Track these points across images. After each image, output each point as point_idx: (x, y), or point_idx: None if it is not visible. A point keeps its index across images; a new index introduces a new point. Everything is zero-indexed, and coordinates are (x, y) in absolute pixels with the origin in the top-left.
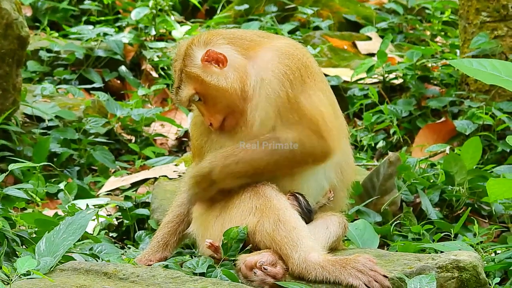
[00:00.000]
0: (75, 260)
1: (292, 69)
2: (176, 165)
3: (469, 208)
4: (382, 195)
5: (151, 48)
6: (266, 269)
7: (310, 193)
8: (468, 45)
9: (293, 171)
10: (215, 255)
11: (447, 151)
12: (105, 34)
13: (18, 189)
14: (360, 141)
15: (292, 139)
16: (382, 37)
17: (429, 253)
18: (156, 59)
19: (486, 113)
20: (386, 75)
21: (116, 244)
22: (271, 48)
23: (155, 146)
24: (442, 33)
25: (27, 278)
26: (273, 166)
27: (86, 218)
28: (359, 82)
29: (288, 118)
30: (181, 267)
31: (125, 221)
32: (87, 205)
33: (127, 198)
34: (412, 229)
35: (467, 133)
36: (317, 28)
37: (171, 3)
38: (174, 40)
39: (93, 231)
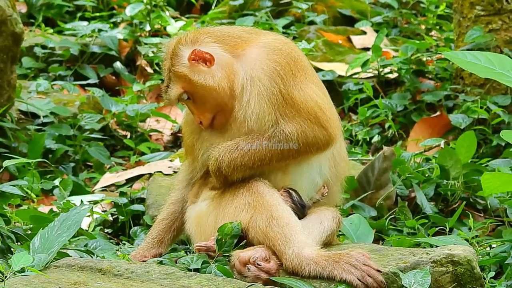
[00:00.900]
0: (70, 256)
1: (282, 65)
2: (171, 160)
3: (464, 202)
4: (377, 189)
5: (146, 43)
6: (260, 265)
7: (304, 189)
8: (462, 39)
9: (297, 161)
10: (210, 253)
11: (442, 145)
12: (100, 30)
13: (13, 185)
14: (355, 135)
15: (295, 131)
16: (377, 31)
17: (424, 247)
18: (151, 54)
19: (481, 107)
20: (381, 69)
21: (111, 240)
22: (259, 45)
23: (150, 141)
24: (437, 27)
25: (22, 275)
26: (278, 157)
27: (80, 214)
28: (354, 76)
29: (285, 113)
30: (176, 263)
31: (120, 217)
32: (82, 201)
33: (122, 194)
34: (407, 223)
35: (462, 127)
36: (312, 22)
37: None
38: (169, 35)
39: (89, 227)
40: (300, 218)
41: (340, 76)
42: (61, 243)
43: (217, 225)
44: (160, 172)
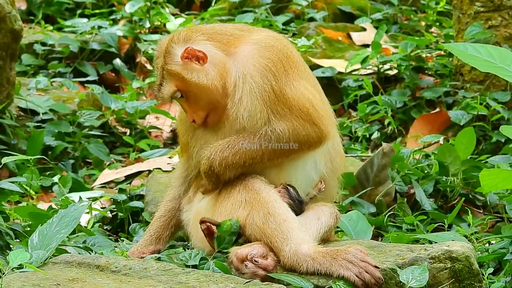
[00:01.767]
0: (68, 253)
1: (274, 61)
2: (170, 157)
3: (463, 199)
4: (376, 186)
5: (145, 40)
6: (257, 262)
7: (300, 184)
8: (462, 35)
9: (289, 158)
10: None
11: (441, 142)
12: (99, 27)
13: (12, 182)
14: (355, 132)
15: (287, 129)
16: (376, 28)
17: (423, 243)
18: (150, 51)
19: (481, 103)
20: (380, 66)
21: (110, 237)
22: (251, 42)
23: (150, 138)
24: (437, 24)
25: (20, 271)
26: (269, 155)
27: (79, 211)
28: (353, 73)
29: (277, 110)
30: (174, 259)
31: (119, 214)
32: (80, 198)
33: (121, 190)
34: (406, 220)
35: (461, 124)
36: (311, 19)
37: None
38: (168, 32)
39: (88, 224)
40: (297, 214)
41: (339, 73)
42: (59, 240)
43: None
44: (159, 168)
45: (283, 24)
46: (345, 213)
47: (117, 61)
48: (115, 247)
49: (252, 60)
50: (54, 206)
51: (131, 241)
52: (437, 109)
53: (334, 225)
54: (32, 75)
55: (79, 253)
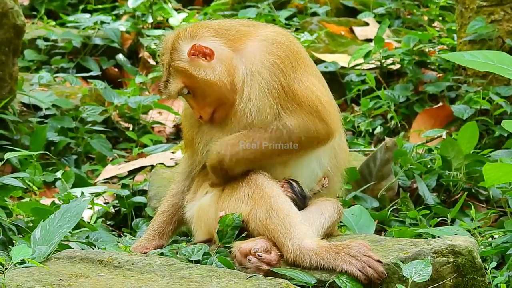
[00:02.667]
0: (71, 248)
1: (281, 58)
2: (173, 152)
3: (466, 193)
4: (379, 180)
5: (148, 35)
6: (261, 256)
7: (304, 180)
8: (465, 30)
9: (298, 154)
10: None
11: (444, 136)
12: (102, 22)
13: (15, 178)
14: (358, 126)
15: (298, 124)
16: (379, 22)
17: (426, 238)
18: (153, 46)
19: (483, 98)
20: (383, 60)
21: (113, 232)
22: (258, 38)
23: (153, 133)
24: (440, 18)
25: (22, 267)
26: (280, 151)
27: (81, 206)
28: (356, 67)
29: (287, 106)
30: (177, 254)
31: (122, 209)
32: (82, 193)
33: (124, 186)
34: (408, 214)
35: (464, 118)
36: (314, 14)
37: None
38: (171, 27)
39: (90, 220)
40: (301, 209)
41: (342, 67)
42: (62, 235)
43: (218, 217)
44: (162, 164)
45: (286, 19)
46: (348, 207)
47: (120, 56)
48: (118, 242)
49: (260, 57)
50: (57, 202)
51: (134, 236)
52: (440, 104)
53: (337, 220)
54: (35, 71)
55: (82, 249)
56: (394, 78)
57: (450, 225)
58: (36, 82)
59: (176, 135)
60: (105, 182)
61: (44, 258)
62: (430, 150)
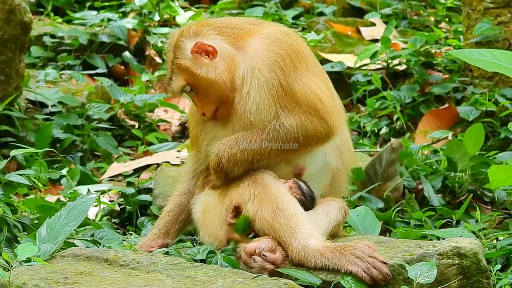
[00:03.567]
0: (77, 246)
1: (282, 56)
2: (178, 151)
3: (471, 195)
4: (384, 181)
5: (155, 33)
6: (266, 256)
7: (309, 179)
8: (471, 31)
9: (297, 154)
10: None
11: (450, 138)
12: (109, 20)
13: (20, 175)
14: (364, 127)
15: (295, 124)
16: (386, 23)
17: (431, 239)
18: (160, 44)
19: (489, 100)
20: (389, 61)
21: (118, 230)
22: (260, 36)
23: (158, 132)
24: (446, 19)
25: (28, 265)
26: (278, 151)
27: (87, 204)
28: (362, 68)
29: (285, 105)
30: (182, 254)
31: (128, 207)
32: (88, 190)
33: (129, 184)
34: (414, 215)
35: (470, 120)
36: (321, 14)
37: None
38: (178, 25)
39: (96, 217)
40: (308, 210)
41: (349, 68)
42: (67, 233)
43: (224, 216)
44: (168, 162)
45: (293, 18)
46: (354, 208)
47: (126, 54)
48: (123, 240)
49: (261, 54)
50: (62, 199)
51: (139, 234)
52: (446, 105)
53: (342, 220)
54: (41, 67)
55: (87, 247)
56: (400, 79)
57: (455, 226)
58: (42, 79)
59: (181, 134)
60: (110, 180)
61: (49, 256)
62: (435, 152)
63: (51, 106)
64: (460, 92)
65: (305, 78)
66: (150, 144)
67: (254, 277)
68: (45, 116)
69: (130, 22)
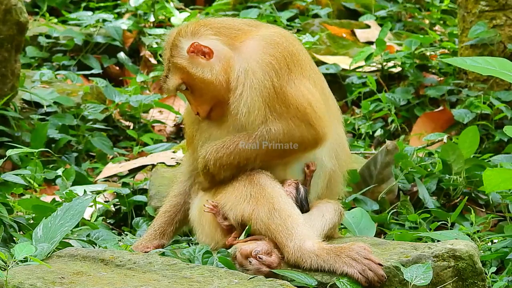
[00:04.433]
0: (73, 246)
1: (277, 58)
2: (173, 151)
3: (466, 197)
4: (379, 183)
5: (150, 34)
6: (261, 258)
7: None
8: (466, 34)
9: (284, 160)
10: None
11: (445, 140)
12: (104, 20)
13: (16, 175)
14: (358, 129)
15: (282, 129)
16: (381, 25)
17: (426, 242)
18: (155, 45)
19: (484, 102)
20: (384, 63)
21: (113, 231)
22: (257, 38)
23: (153, 132)
24: (441, 22)
25: (24, 264)
26: (263, 156)
27: (83, 204)
28: (357, 70)
29: (275, 108)
30: (178, 254)
31: (123, 208)
32: (85, 191)
33: (124, 184)
34: (409, 217)
35: (465, 122)
36: (316, 16)
37: None
38: (173, 26)
39: (91, 218)
40: (304, 212)
41: (343, 70)
42: (64, 233)
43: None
44: (163, 163)
45: (288, 20)
46: (349, 210)
47: (121, 55)
48: (118, 241)
49: (256, 56)
50: (57, 199)
51: (134, 235)
52: (441, 108)
53: (338, 222)
54: (36, 68)
55: (83, 247)
56: (395, 81)
57: (450, 229)
58: (37, 79)
59: (176, 135)
60: (105, 180)
61: (45, 256)
62: (430, 154)
63: (47, 106)
64: (455, 95)
65: (298, 82)
66: (145, 144)
67: (250, 278)
68: (40, 116)
69: (125, 23)
